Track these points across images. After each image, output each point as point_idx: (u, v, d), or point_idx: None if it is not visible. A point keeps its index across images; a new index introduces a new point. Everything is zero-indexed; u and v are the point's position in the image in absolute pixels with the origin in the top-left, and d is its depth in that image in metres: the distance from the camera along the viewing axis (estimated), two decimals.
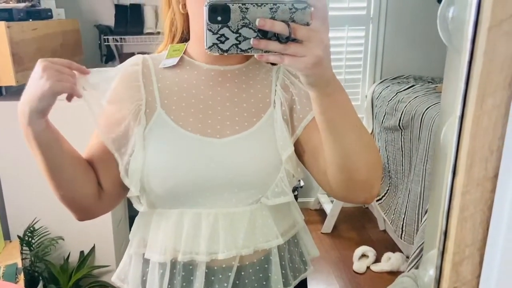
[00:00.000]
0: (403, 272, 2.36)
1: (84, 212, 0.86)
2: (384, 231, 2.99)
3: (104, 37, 2.66)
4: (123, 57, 2.70)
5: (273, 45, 0.57)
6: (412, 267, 2.09)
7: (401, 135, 2.56)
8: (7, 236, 1.96)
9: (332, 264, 2.65)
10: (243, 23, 0.56)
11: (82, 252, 2.05)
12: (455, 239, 0.40)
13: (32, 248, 1.89)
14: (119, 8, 2.68)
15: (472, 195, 0.39)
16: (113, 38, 2.66)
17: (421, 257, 2.06)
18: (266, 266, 0.86)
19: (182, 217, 0.82)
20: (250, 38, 0.57)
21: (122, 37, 2.65)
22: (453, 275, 0.41)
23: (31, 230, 1.89)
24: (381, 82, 3.03)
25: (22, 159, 1.85)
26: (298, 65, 0.58)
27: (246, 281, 0.85)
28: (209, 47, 0.57)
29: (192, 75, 0.86)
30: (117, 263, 2.07)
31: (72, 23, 2.40)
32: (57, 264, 1.98)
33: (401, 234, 2.43)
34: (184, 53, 0.87)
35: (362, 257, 2.66)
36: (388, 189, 2.72)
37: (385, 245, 2.79)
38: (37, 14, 2.02)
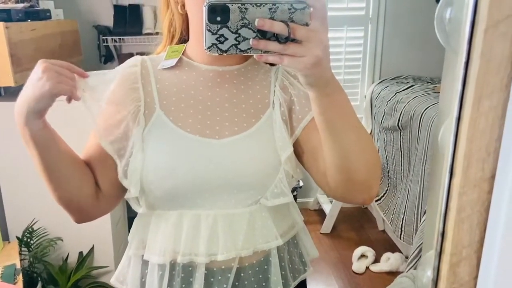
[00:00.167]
0: (402, 272, 2.36)
1: (81, 214, 0.86)
2: (383, 231, 2.99)
3: (103, 37, 2.66)
4: (122, 57, 2.70)
5: (272, 45, 0.57)
6: (411, 267, 2.09)
7: (400, 135, 2.56)
8: (5, 237, 1.96)
9: (331, 264, 2.65)
10: (243, 23, 0.56)
11: (81, 253, 2.05)
12: (452, 240, 0.40)
13: (30, 249, 1.88)
14: (117, 8, 2.68)
15: (469, 196, 0.39)
16: (112, 39, 2.66)
17: (420, 257, 2.06)
18: (265, 267, 0.86)
19: (181, 218, 0.82)
20: (249, 39, 0.57)
21: (121, 37, 2.65)
22: (451, 276, 0.41)
23: (29, 231, 1.89)
24: (380, 82, 3.03)
25: (20, 160, 1.85)
26: (297, 65, 0.58)
27: (246, 282, 0.84)
28: (208, 48, 0.57)
29: (191, 76, 0.85)
30: (115, 263, 2.07)
31: (71, 24, 2.40)
32: (56, 265, 1.98)
33: (400, 234, 2.42)
34: (183, 54, 0.87)
35: (361, 258, 2.65)
36: (387, 189, 2.72)
37: (384, 245, 2.79)
38: (35, 14, 2.01)
